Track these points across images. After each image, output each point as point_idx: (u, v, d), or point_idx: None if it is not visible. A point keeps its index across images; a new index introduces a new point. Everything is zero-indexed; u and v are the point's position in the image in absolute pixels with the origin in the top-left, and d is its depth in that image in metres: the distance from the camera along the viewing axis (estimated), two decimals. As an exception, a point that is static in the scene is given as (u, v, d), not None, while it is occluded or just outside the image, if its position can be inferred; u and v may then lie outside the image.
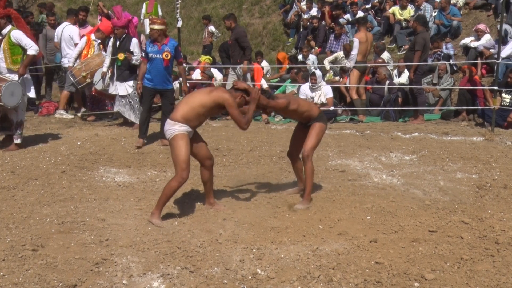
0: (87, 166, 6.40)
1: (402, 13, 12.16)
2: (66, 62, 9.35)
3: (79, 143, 7.44)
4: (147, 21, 12.10)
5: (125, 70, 8.26)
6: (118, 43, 8.24)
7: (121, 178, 5.99)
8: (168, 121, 4.60)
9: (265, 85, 10.77)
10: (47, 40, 10.03)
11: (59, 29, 9.67)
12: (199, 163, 4.94)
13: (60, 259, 3.87)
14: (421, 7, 11.73)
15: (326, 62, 11.17)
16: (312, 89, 9.46)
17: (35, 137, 7.79)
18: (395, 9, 12.40)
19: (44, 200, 5.22)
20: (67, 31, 9.51)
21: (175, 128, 4.53)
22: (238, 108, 4.63)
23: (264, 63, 11.79)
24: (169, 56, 7.24)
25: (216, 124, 9.39)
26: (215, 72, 11.11)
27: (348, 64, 9.67)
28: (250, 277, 3.63)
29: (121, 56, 8.10)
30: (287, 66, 11.41)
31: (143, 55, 7.46)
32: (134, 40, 8.17)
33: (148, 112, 7.62)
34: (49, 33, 10.01)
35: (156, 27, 7.16)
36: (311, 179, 5.10)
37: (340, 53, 10.96)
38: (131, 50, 8.10)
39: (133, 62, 8.09)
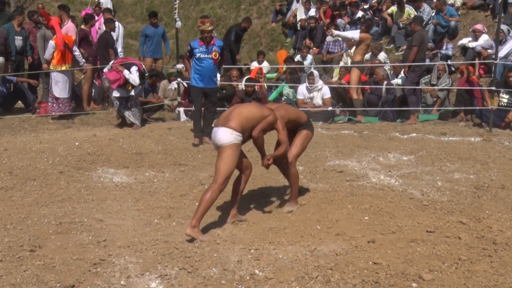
0: (85, 166, 6.40)
1: (401, 15, 12.16)
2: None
3: (77, 143, 7.43)
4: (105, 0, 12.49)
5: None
6: None
7: (119, 178, 5.98)
8: (224, 128, 4.46)
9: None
10: (45, 41, 9.94)
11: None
12: (239, 172, 4.81)
13: (58, 260, 3.87)
14: (421, 9, 11.73)
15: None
16: (309, 90, 9.45)
17: (33, 138, 7.78)
18: (394, 9, 12.40)
19: (42, 200, 5.21)
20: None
21: (233, 136, 4.43)
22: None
23: (265, 63, 11.79)
24: (217, 56, 7.59)
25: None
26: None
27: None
28: (248, 277, 3.64)
29: (129, 87, 8.49)
30: (285, 67, 11.40)
31: (187, 53, 7.77)
32: (126, 73, 8.38)
33: (200, 111, 7.88)
34: (48, 33, 9.91)
35: (210, 28, 7.45)
36: (296, 184, 5.07)
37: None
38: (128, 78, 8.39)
39: (136, 85, 8.46)
